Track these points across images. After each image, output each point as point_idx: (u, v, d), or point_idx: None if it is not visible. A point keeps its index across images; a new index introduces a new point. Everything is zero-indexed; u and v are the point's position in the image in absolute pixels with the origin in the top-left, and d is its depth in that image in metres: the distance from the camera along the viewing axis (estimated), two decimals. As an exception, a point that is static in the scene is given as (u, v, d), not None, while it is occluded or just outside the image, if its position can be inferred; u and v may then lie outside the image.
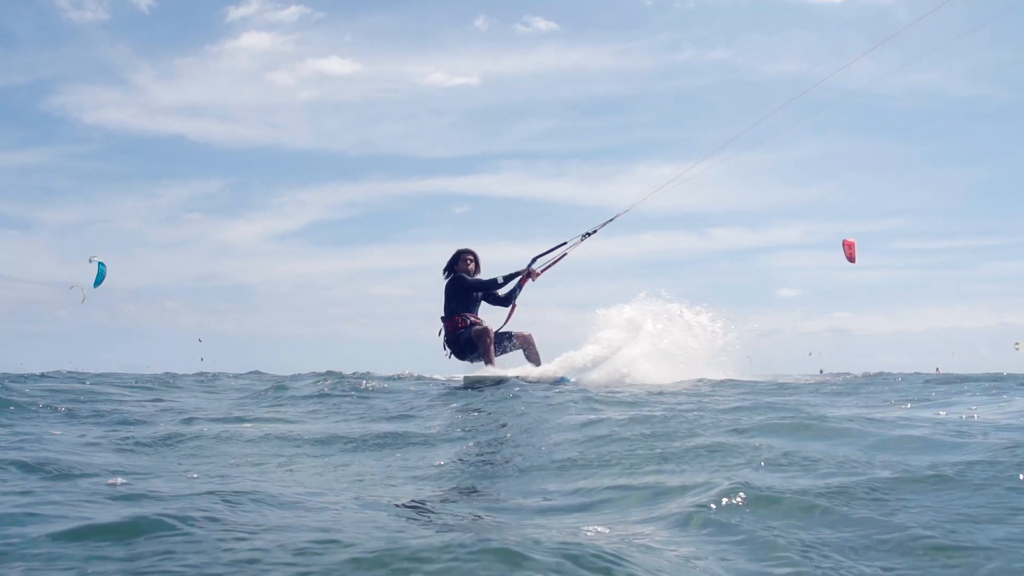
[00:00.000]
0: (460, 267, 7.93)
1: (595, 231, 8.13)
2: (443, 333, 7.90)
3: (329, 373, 8.05)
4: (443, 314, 7.90)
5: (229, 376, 9.95)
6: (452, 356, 7.93)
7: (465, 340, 7.71)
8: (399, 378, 7.77)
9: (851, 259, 9.33)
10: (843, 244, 9.39)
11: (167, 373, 10.58)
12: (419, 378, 7.92)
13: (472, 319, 7.83)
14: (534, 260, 8.04)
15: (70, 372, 9.59)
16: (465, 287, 7.83)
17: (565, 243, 8.10)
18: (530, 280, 8.00)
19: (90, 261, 12.12)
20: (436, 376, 8.14)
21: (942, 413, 3.78)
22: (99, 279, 12.10)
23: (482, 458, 3.06)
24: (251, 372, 11.25)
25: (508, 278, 7.86)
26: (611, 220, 8.11)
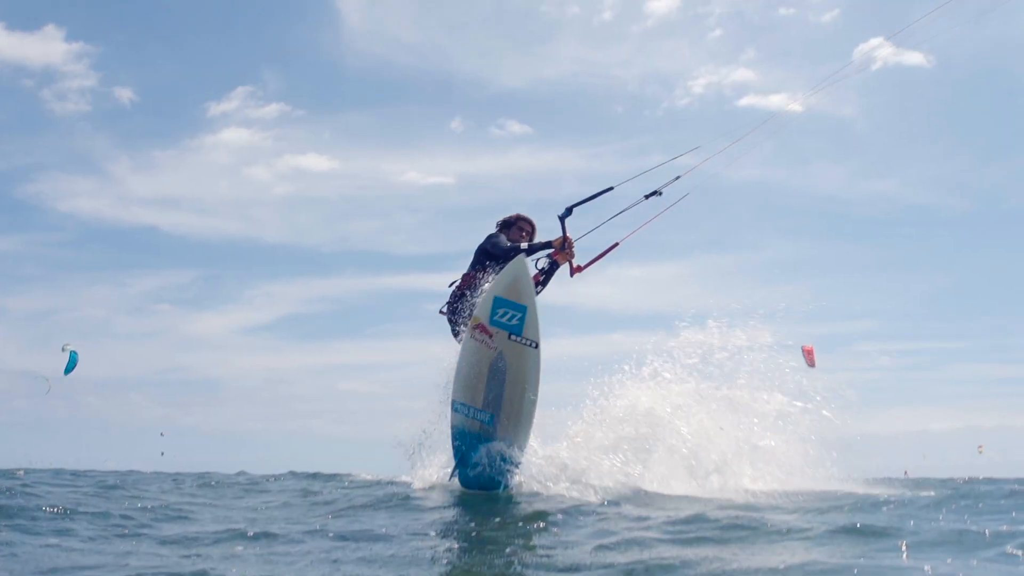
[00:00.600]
0: (512, 234, 6.44)
1: (660, 191, 6.30)
2: (455, 286, 6.36)
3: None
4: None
5: (191, 475, 9.40)
6: (449, 323, 6.39)
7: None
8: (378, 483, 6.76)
9: (811, 364, 9.28)
10: (802, 350, 9.35)
11: (130, 471, 9.83)
12: (390, 482, 6.73)
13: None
14: (568, 212, 6.09)
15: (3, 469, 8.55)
16: (494, 255, 6.21)
17: (611, 188, 6.20)
18: (565, 261, 6.15)
19: (63, 349, 11.97)
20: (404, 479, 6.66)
21: None
22: (70, 367, 11.91)
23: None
24: (239, 472, 9.99)
25: (534, 248, 6.17)
26: (677, 179, 6.35)
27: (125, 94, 30.15)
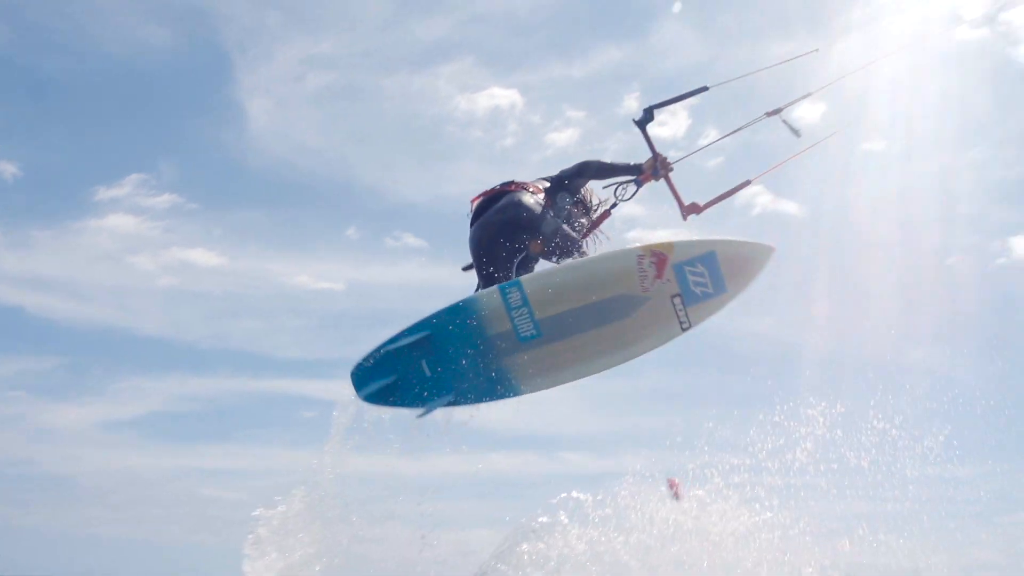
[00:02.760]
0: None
1: (782, 108, 4.57)
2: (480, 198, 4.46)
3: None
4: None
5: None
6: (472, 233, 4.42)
7: (507, 217, 4.19)
8: None
9: (677, 497, 8.01)
10: (668, 483, 8.10)
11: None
12: None
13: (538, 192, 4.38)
14: (649, 115, 4.43)
15: None
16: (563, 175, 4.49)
17: (705, 88, 4.52)
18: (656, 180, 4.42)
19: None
20: None
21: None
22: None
23: None
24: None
25: (616, 169, 4.46)
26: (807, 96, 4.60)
27: (8, 168, 30.19)
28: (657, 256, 3.95)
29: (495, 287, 3.92)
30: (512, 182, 4.37)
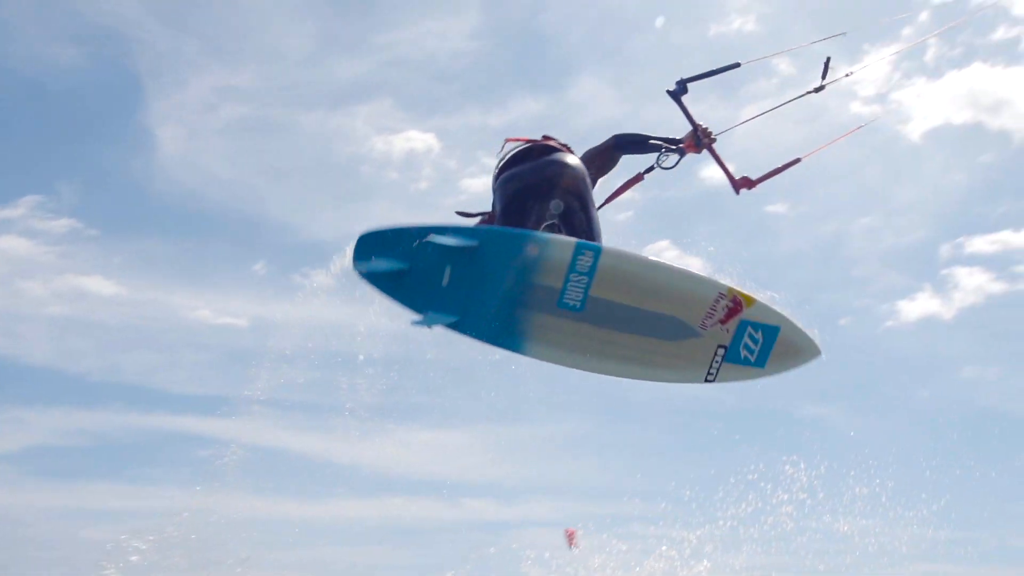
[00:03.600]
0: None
1: (823, 86, 4.48)
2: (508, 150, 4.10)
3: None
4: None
5: None
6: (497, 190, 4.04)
7: (545, 176, 3.85)
8: None
9: (572, 546, 8.19)
10: (565, 533, 8.27)
11: None
12: None
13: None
14: (683, 88, 4.25)
15: None
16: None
17: (737, 64, 4.41)
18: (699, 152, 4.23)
19: None
20: None
21: None
22: None
23: None
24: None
25: (655, 145, 4.22)
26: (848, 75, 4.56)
27: None
28: (735, 303, 3.74)
29: (573, 241, 3.53)
30: (549, 136, 4.08)
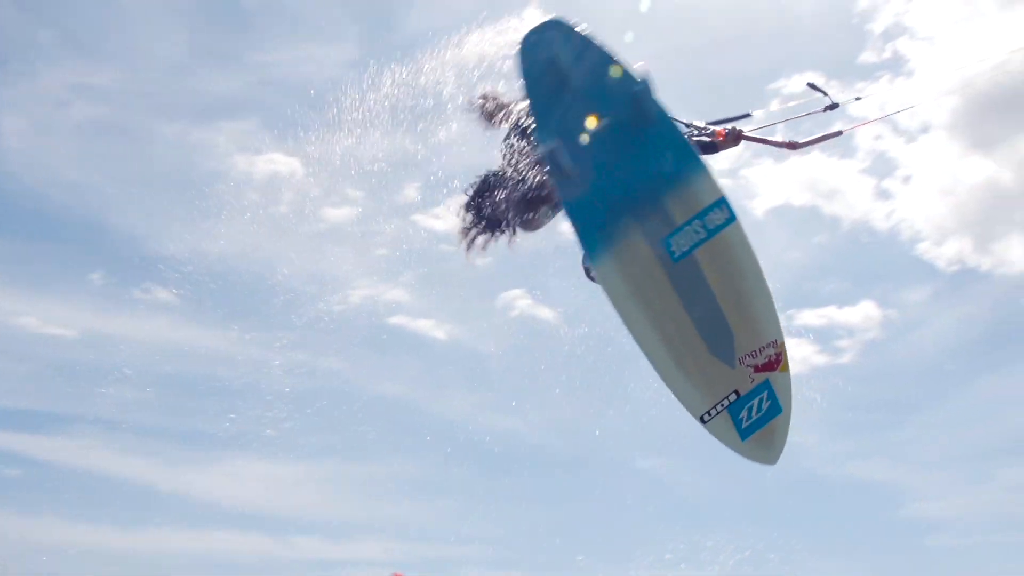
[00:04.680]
0: None
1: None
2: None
3: None
4: None
5: None
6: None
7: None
8: None
9: None
10: None
11: None
12: None
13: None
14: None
15: None
16: None
17: (748, 115, 4.17)
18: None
19: None
20: None
21: None
22: None
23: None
24: None
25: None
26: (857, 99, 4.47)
27: None
28: (776, 360, 3.57)
29: (722, 191, 3.32)
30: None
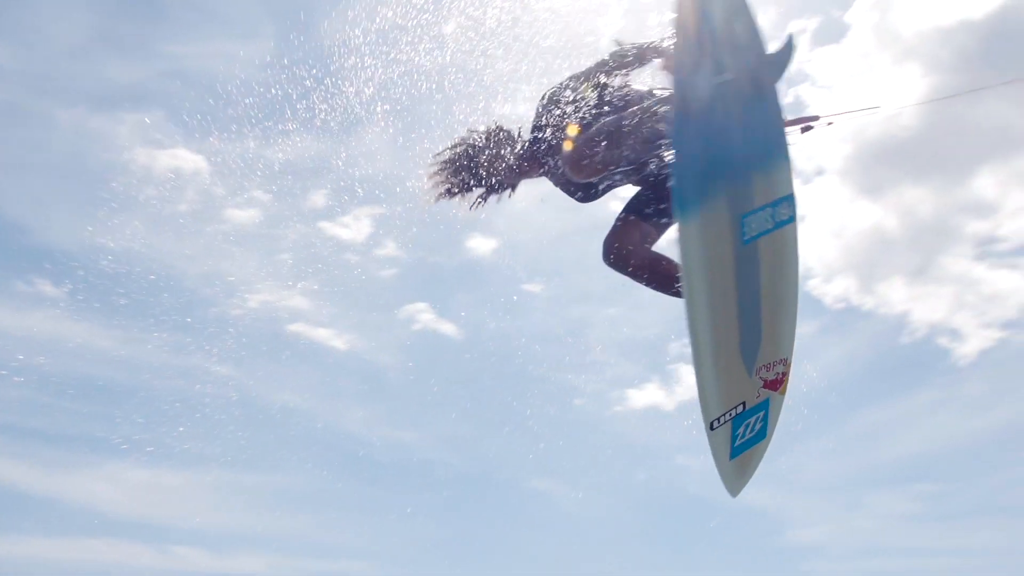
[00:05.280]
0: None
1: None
2: None
3: None
4: None
5: None
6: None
7: None
8: None
9: None
10: None
11: None
12: None
13: None
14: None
15: None
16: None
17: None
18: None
19: None
20: None
21: None
22: None
23: None
24: None
25: None
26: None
27: None
28: (779, 380, 3.43)
29: (792, 188, 3.17)
30: None
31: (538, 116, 3.61)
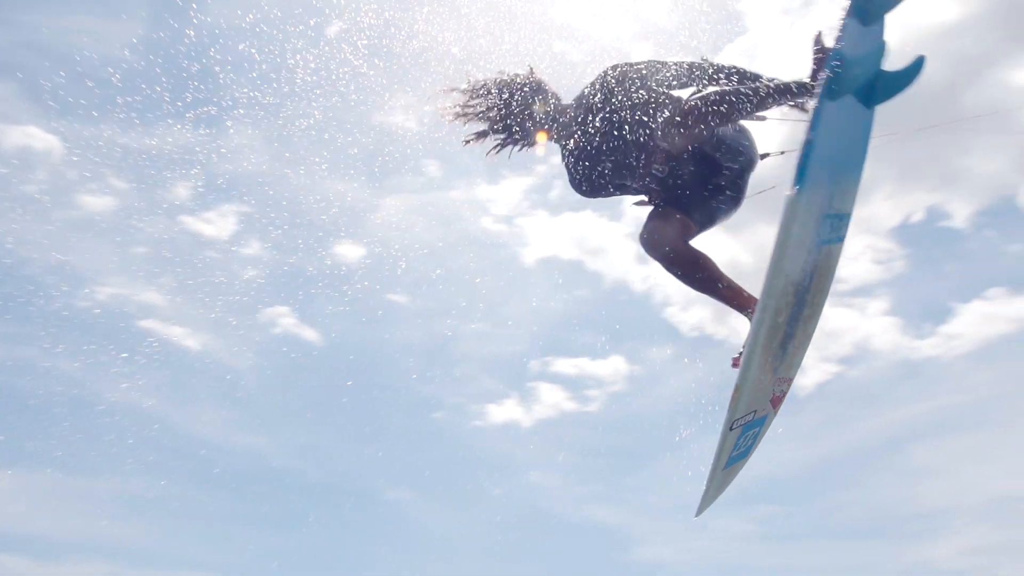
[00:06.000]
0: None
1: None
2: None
3: None
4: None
5: None
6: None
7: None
8: None
9: None
10: None
11: None
12: None
13: None
14: None
15: None
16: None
17: None
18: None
19: None
20: None
21: None
22: None
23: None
24: None
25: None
26: None
27: None
28: (781, 398, 3.38)
29: (852, 210, 3.24)
30: None
31: (598, 88, 3.40)
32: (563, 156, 3.53)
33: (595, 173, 3.45)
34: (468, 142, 3.51)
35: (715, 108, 3.10)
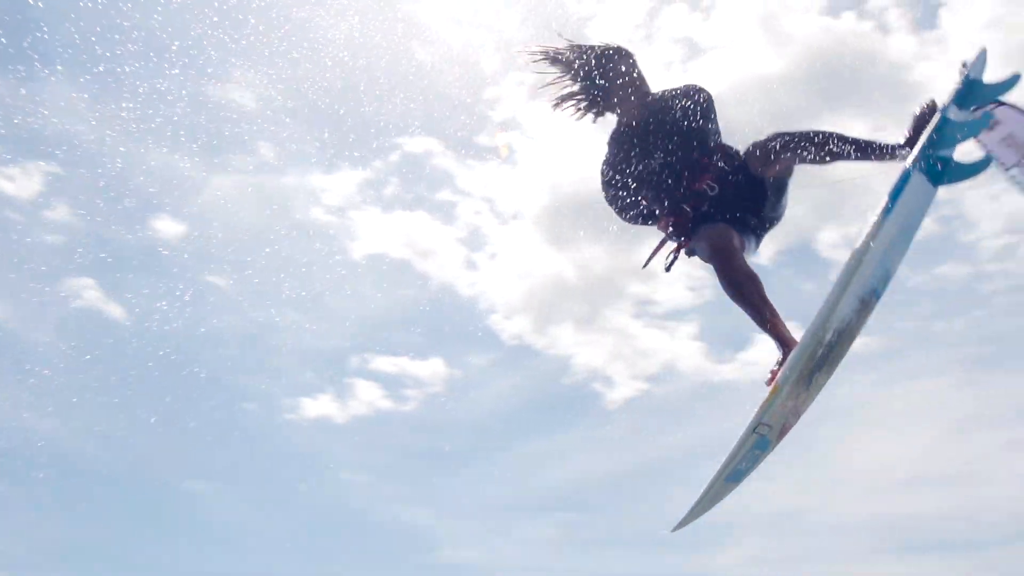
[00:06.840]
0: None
1: None
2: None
3: None
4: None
5: None
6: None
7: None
8: None
9: None
10: None
11: None
12: None
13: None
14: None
15: None
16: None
17: None
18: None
19: None
20: None
21: None
22: None
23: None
24: None
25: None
26: None
27: None
28: (787, 430, 3.36)
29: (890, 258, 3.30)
30: None
31: (681, 95, 3.57)
32: (613, 134, 3.64)
33: (641, 166, 3.52)
34: (557, 104, 3.59)
35: (821, 146, 3.27)
